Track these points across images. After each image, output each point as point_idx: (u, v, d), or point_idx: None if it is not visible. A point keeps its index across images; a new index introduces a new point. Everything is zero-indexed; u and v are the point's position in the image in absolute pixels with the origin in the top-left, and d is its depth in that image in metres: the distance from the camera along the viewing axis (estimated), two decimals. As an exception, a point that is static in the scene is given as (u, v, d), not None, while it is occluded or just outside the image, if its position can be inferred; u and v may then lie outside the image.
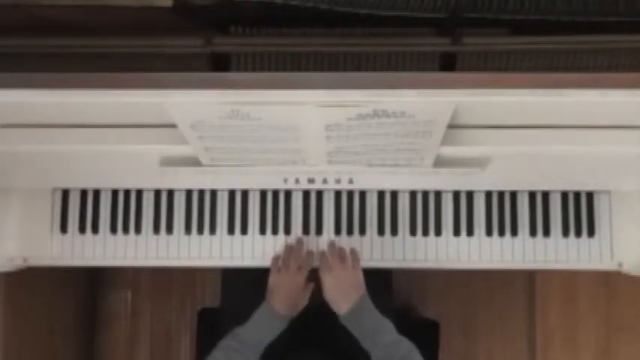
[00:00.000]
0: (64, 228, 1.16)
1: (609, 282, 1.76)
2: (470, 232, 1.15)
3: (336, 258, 1.09)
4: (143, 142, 1.02)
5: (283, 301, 1.06)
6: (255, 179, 1.14)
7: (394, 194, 1.16)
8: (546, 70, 1.00)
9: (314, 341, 1.17)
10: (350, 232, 1.16)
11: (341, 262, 1.08)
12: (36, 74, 0.90)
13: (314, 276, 1.11)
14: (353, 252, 1.11)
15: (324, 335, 1.14)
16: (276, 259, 1.12)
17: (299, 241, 1.14)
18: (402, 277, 1.76)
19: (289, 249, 1.13)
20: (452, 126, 0.95)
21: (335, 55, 1.02)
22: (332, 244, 1.13)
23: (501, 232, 1.15)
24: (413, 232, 1.16)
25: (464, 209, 1.16)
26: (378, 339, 1.00)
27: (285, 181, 1.14)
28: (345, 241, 1.15)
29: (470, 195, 1.16)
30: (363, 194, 1.17)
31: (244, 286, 1.11)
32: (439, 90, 0.87)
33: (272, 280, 1.09)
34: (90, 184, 1.16)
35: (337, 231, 1.16)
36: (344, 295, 1.05)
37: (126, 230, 1.16)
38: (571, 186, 1.15)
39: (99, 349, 1.82)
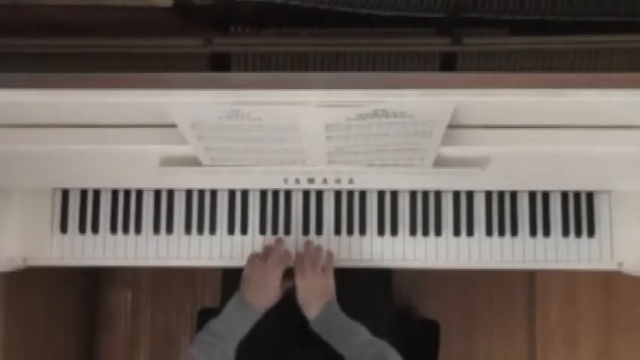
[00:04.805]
0: (64, 228, 1.16)
1: (609, 282, 1.76)
2: (470, 232, 1.15)
3: (307, 262, 1.08)
4: (143, 142, 1.01)
5: (255, 292, 1.05)
6: (255, 179, 1.14)
7: (394, 194, 1.16)
8: (546, 70, 1.00)
9: (311, 341, 1.16)
10: (350, 232, 1.16)
11: (312, 267, 1.07)
12: (36, 74, 0.90)
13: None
14: (329, 255, 1.11)
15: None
16: (254, 254, 1.12)
17: (278, 240, 1.14)
18: (402, 277, 1.76)
19: (268, 247, 1.13)
20: (452, 126, 0.95)
21: (335, 55, 1.02)
22: (307, 245, 1.13)
23: (501, 232, 1.15)
24: (413, 232, 1.16)
25: (464, 209, 1.16)
26: (348, 342, 1.01)
27: (285, 181, 1.14)
28: (345, 241, 1.15)
29: (470, 195, 1.16)
30: (363, 194, 1.17)
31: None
32: (439, 90, 0.87)
33: (247, 271, 1.08)
34: (90, 184, 1.16)
35: (337, 231, 1.16)
36: (313, 301, 1.05)
37: (126, 230, 1.16)
38: (571, 186, 1.15)
39: (99, 349, 1.82)
